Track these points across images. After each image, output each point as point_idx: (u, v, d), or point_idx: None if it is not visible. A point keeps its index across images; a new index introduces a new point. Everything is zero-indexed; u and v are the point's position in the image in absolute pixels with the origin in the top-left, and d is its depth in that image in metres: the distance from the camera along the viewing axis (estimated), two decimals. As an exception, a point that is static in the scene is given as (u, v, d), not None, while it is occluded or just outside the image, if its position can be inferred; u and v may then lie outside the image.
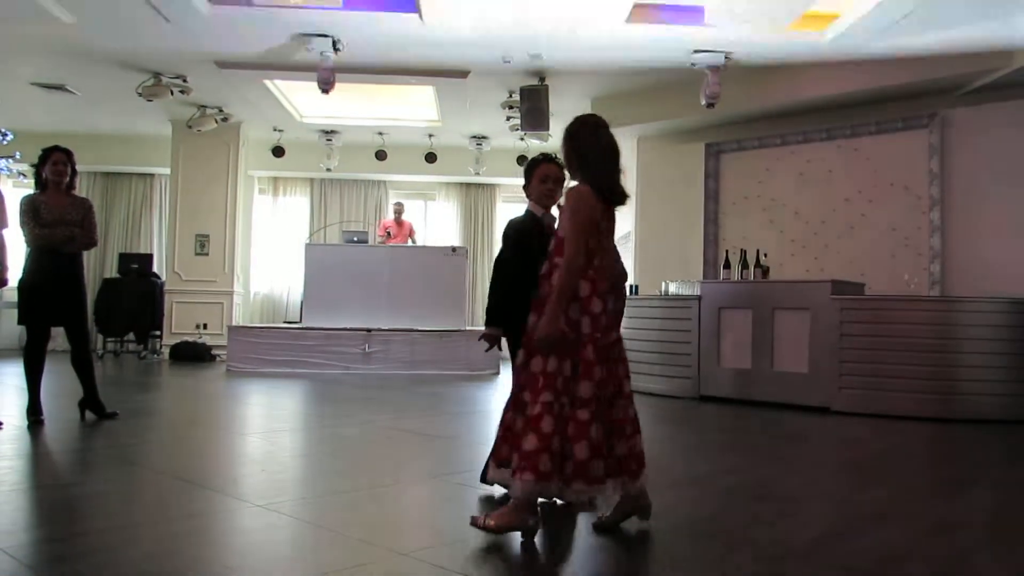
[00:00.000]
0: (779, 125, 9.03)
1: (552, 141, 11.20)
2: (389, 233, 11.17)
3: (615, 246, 3.03)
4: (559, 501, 3.14)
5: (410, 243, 11.15)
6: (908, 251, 8.11)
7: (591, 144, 2.93)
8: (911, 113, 8.13)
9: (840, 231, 8.55)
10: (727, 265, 7.84)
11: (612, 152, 2.92)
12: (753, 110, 8.95)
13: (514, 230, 3.39)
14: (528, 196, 3.38)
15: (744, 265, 7.61)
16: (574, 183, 2.93)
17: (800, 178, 8.86)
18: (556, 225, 3.01)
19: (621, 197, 2.91)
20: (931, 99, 8.05)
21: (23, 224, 5.06)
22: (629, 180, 9.46)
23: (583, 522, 3.03)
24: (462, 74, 8.84)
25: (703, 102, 8.13)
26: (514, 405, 2.87)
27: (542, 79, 8.91)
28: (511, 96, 9.54)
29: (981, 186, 7.69)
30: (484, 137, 11.64)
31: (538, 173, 3.35)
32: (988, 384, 6.25)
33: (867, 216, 8.39)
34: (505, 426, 2.89)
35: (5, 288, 5.25)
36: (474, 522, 2.79)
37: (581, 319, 2.79)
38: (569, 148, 2.96)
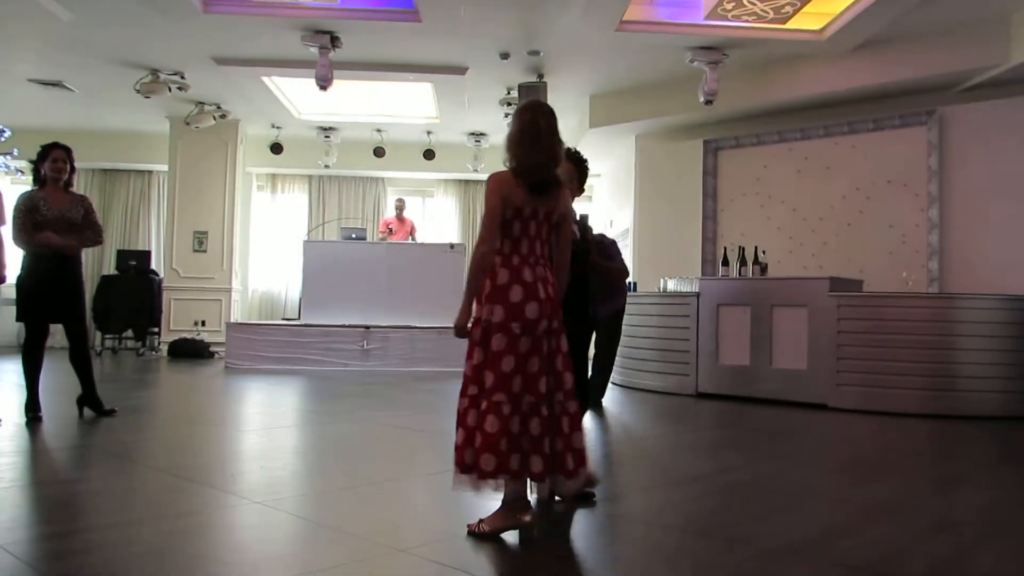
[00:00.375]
0: (777, 122, 9.04)
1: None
2: (391, 230, 11.16)
3: (576, 234, 2.99)
4: (558, 497, 3.15)
5: (411, 240, 11.14)
6: (906, 248, 8.12)
7: (513, 128, 2.86)
8: (909, 110, 8.14)
9: (838, 228, 8.56)
10: (725, 262, 7.85)
11: (532, 136, 2.77)
12: (751, 107, 8.95)
13: None
14: None
15: (742, 262, 7.61)
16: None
17: (798, 175, 8.87)
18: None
19: (538, 183, 2.75)
20: (929, 96, 8.06)
21: (16, 221, 5.01)
22: (627, 177, 9.34)
23: (582, 520, 3.04)
24: (460, 71, 8.84)
25: (701, 99, 8.13)
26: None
27: (540, 76, 8.91)
28: (509, 93, 9.54)
29: (979, 183, 7.70)
30: (483, 134, 11.64)
31: None
32: (986, 381, 6.26)
33: (865, 213, 8.39)
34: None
35: (4, 285, 5.24)
36: (470, 530, 2.76)
37: (494, 308, 2.72)
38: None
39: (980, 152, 7.73)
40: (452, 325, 2.80)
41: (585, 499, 3.09)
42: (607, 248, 5.76)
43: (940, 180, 7.88)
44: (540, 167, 2.75)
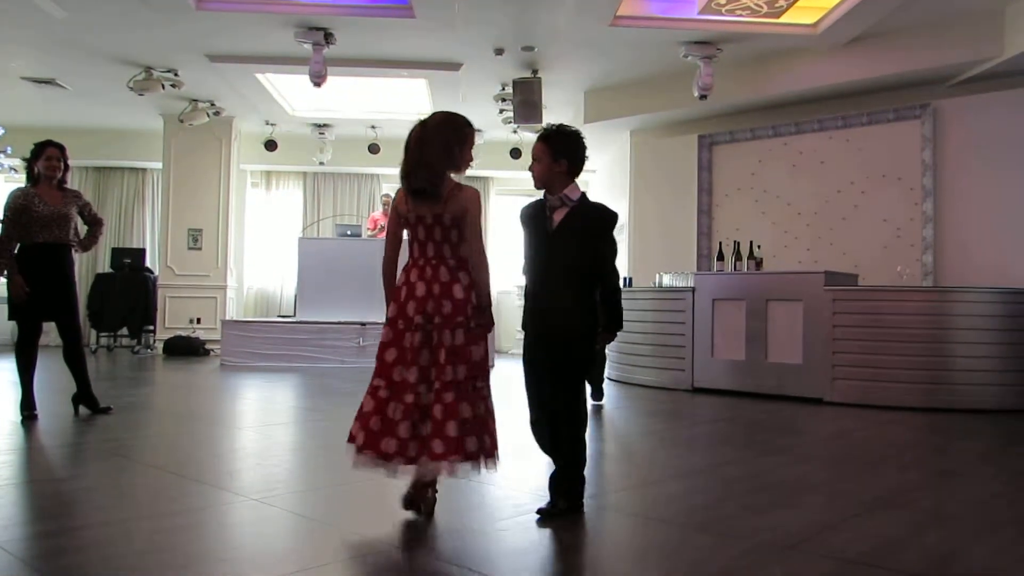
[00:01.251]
0: (772, 116, 9.04)
1: (545, 133, 11.20)
2: (381, 227, 11.15)
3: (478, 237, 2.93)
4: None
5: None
6: (901, 242, 8.14)
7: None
8: (903, 103, 8.14)
9: (833, 222, 8.57)
10: (720, 257, 7.86)
11: (405, 148, 2.95)
12: (746, 101, 8.95)
13: (519, 216, 3.26)
14: None
15: (737, 256, 7.62)
16: None
17: (793, 169, 8.88)
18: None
19: (412, 191, 2.93)
20: (923, 89, 8.07)
21: (8, 220, 5.00)
22: (622, 172, 9.37)
23: (578, 515, 3.04)
24: (455, 66, 8.82)
25: (696, 94, 8.13)
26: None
27: (535, 71, 8.90)
28: (504, 89, 9.53)
29: (974, 176, 7.71)
30: (478, 130, 11.61)
31: None
32: (981, 374, 6.29)
33: (860, 207, 8.41)
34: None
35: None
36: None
37: (390, 307, 3.02)
38: None
39: (974, 146, 7.74)
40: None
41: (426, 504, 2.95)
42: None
43: (934, 174, 7.89)
44: (407, 175, 2.93)
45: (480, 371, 2.92)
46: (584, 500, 3.06)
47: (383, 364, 2.94)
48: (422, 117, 3.03)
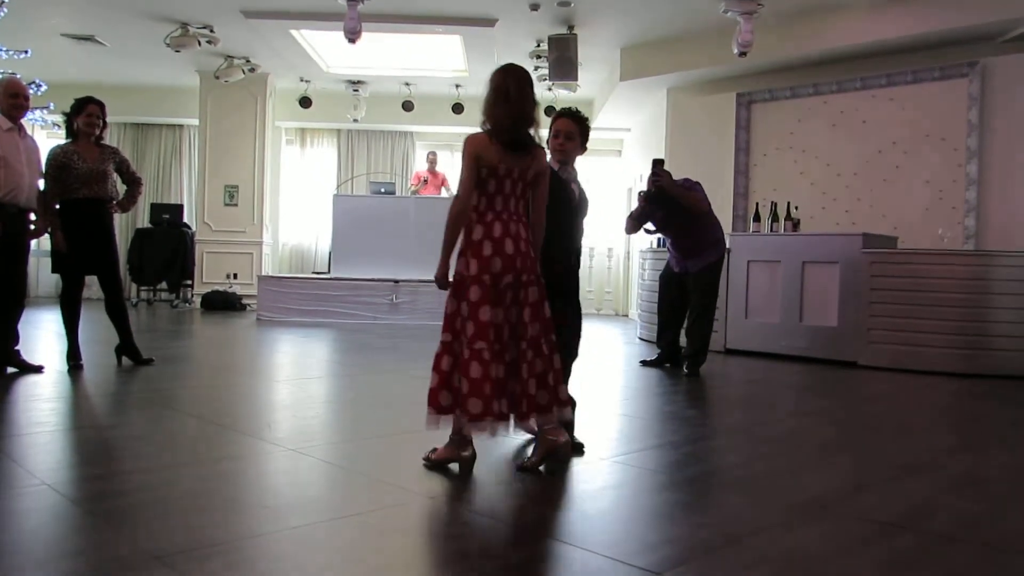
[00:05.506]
0: (812, 74, 8.83)
1: (581, 91, 11.08)
2: (425, 180, 11.15)
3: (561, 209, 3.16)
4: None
5: (444, 193, 11.12)
6: (943, 204, 7.97)
7: (487, 92, 2.98)
8: (950, 61, 7.90)
9: (873, 183, 8.40)
10: (757, 217, 7.77)
11: (503, 99, 2.91)
12: (786, 59, 8.75)
13: None
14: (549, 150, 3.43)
15: (774, 218, 7.53)
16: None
17: (833, 129, 8.70)
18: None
19: (511, 142, 2.89)
20: (972, 47, 7.82)
21: (50, 174, 5.09)
22: (657, 131, 9.25)
23: (607, 473, 3.08)
24: (489, 23, 8.73)
25: (735, 51, 7.96)
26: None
27: (571, 27, 8.78)
28: (539, 45, 9.41)
29: (1021, 138, 7.49)
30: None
31: (551, 127, 3.46)
32: (1021, 340, 6.17)
33: (901, 168, 8.23)
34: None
35: (41, 238, 5.34)
36: (424, 458, 3.01)
37: (470, 262, 2.91)
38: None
39: (1023, 105, 7.50)
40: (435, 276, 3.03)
41: (557, 453, 3.04)
42: (692, 187, 5.95)
43: (980, 134, 7.68)
44: (512, 126, 2.90)
45: (551, 328, 3.03)
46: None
47: (480, 324, 2.85)
48: (501, 64, 3.04)
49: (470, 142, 2.93)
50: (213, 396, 4.72)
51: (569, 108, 3.52)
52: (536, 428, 3.02)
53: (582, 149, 3.49)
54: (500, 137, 2.89)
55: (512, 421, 2.95)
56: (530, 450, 3.12)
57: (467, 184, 2.91)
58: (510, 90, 2.91)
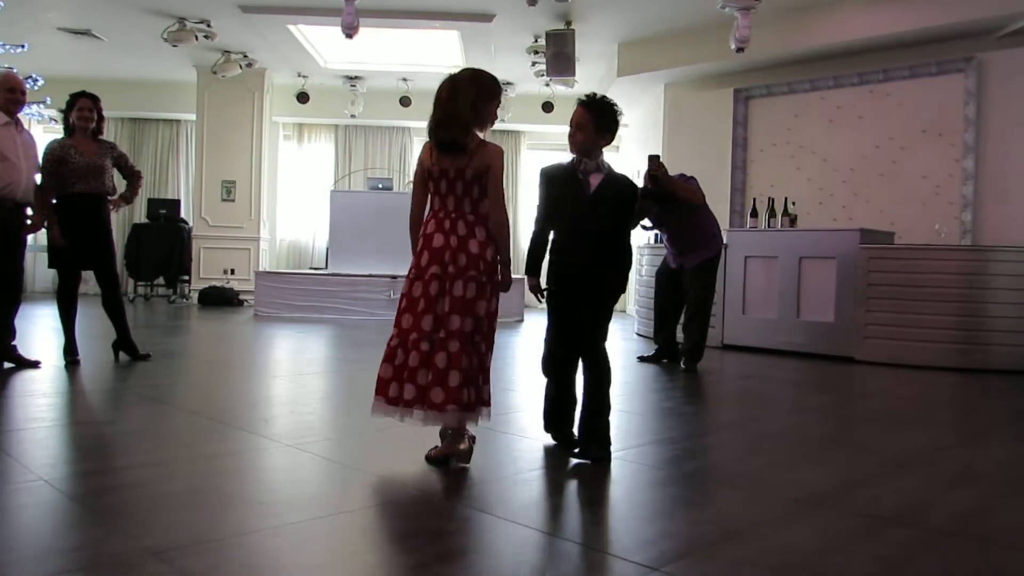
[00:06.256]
0: (809, 70, 8.84)
1: (578, 87, 11.06)
2: None
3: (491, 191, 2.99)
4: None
5: None
6: (939, 199, 7.97)
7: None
8: (947, 57, 7.91)
9: (870, 179, 8.41)
10: (754, 213, 7.77)
11: (435, 101, 2.96)
12: (783, 54, 8.75)
13: (542, 175, 3.33)
14: None
15: (771, 213, 7.53)
16: None
17: (830, 124, 8.70)
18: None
19: (440, 143, 2.93)
20: (968, 42, 7.82)
21: (46, 171, 5.09)
22: (655, 127, 9.26)
23: (605, 468, 3.07)
24: (487, 18, 8.72)
25: (733, 46, 7.94)
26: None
27: (568, 23, 8.76)
28: (537, 41, 9.40)
29: (1018, 133, 7.50)
30: (509, 83, 11.49)
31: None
32: (1018, 335, 6.19)
33: (898, 163, 8.24)
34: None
35: (39, 232, 5.33)
36: (427, 456, 3.03)
37: (413, 258, 3.06)
38: None
39: (1020, 101, 7.51)
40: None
41: (460, 456, 2.99)
42: (687, 180, 5.92)
43: (976, 129, 7.69)
44: (436, 127, 2.94)
45: (482, 328, 2.97)
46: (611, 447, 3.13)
47: (397, 313, 3.03)
48: (452, 72, 3.04)
49: (422, 153, 3.04)
50: (210, 392, 4.72)
51: (588, 95, 3.23)
52: (454, 422, 2.91)
53: (603, 139, 3.19)
54: (430, 139, 2.99)
55: (423, 410, 2.87)
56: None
57: (413, 189, 3.11)
58: (441, 94, 2.96)
